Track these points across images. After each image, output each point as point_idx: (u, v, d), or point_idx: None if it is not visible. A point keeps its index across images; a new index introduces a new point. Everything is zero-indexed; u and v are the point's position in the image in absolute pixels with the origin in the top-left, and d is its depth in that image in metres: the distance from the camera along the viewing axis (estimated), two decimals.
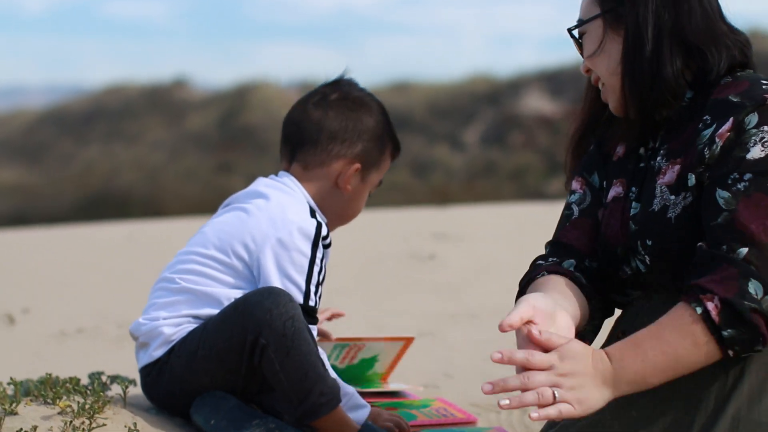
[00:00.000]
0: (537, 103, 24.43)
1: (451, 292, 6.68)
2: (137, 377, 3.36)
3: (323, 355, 3.10)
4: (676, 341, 2.43)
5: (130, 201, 21.89)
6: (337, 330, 3.67)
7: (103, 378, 3.43)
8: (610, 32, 2.69)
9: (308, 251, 3.14)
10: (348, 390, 3.16)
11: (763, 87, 2.57)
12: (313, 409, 3.00)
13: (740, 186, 2.50)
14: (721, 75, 2.64)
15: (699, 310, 2.43)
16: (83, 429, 2.93)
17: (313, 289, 3.15)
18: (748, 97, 2.56)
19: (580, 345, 2.42)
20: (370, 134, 3.29)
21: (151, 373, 3.15)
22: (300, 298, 3.12)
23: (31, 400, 3.11)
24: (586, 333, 2.75)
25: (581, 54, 2.78)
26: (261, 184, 3.28)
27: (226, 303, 3.12)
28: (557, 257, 2.78)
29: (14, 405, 3.02)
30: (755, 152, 2.52)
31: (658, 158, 2.69)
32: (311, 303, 3.14)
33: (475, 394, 3.77)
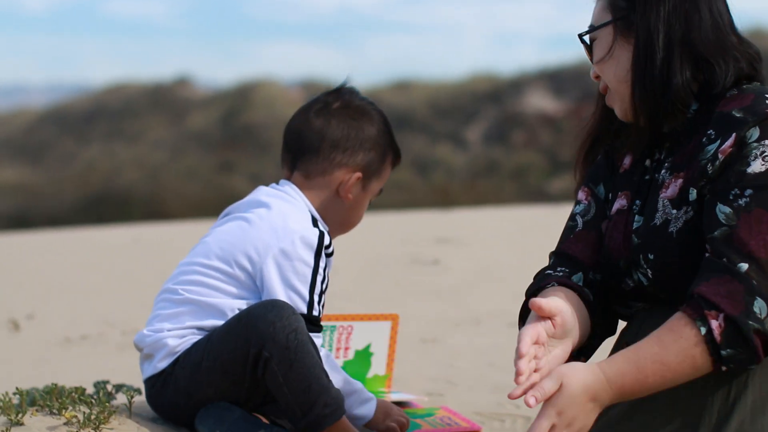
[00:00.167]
0: (539, 102, 24.43)
1: (454, 297, 6.68)
2: (142, 385, 3.36)
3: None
4: (677, 366, 2.47)
5: (132, 200, 21.90)
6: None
7: (109, 387, 3.43)
8: (620, 39, 2.70)
9: (311, 261, 3.15)
10: (356, 386, 3.19)
11: (767, 101, 2.57)
12: (318, 420, 3.01)
13: (741, 202, 2.51)
14: (727, 87, 2.64)
15: (703, 330, 2.44)
16: None
17: (316, 298, 3.15)
18: (751, 112, 2.57)
19: (575, 386, 2.45)
20: (371, 143, 3.30)
21: (155, 384, 3.16)
22: (304, 308, 3.13)
23: (36, 410, 3.11)
24: (583, 350, 2.76)
25: (591, 60, 2.78)
26: (262, 192, 3.29)
27: (230, 314, 3.13)
28: (566, 267, 2.78)
29: (20, 415, 3.02)
30: (756, 166, 2.53)
31: (663, 171, 2.69)
32: (315, 313, 3.15)
33: (480, 403, 3.77)
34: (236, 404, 3.09)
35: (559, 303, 2.57)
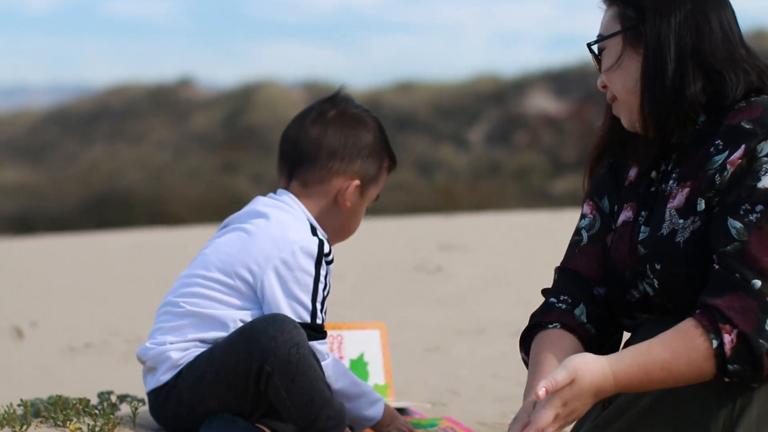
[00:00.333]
0: (542, 103, 24.43)
1: (457, 305, 6.67)
2: (146, 396, 3.36)
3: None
4: (683, 374, 2.48)
5: (135, 201, 21.91)
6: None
7: (113, 398, 3.44)
8: (629, 50, 2.69)
9: (312, 270, 3.16)
10: (366, 388, 3.22)
11: None
12: None
13: (752, 218, 2.51)
14: (737, 100, 2.63)
15: (715, 343, 2.45)
16: None
17: (319, 306, 3.17)
18: (760, 124, 2.57)
19: (586, 382, 2.47)
20: (368, 150, 3.31)
21: (159, 396, 3.16)
22: (307, 317, 3.14)
23: (41, 422, 3.12)
24: None
25: (599, 69, 2.78)
26: (260, 203, 3.29)
27: (232, 325, 3.13)
28: (569, 296, 2.78)
29: (24, 427, 3.02)
30: (766, 181, 2.53)
31: (670, 182, 2.69)
32: (318, 321, 3.16)
33: (483, 412, 3.78)
34: (240, 416, 3.10)
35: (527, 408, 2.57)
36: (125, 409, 3.49)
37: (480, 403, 3.94)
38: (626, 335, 2.82)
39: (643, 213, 2.74)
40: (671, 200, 2.66)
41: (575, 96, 23.62)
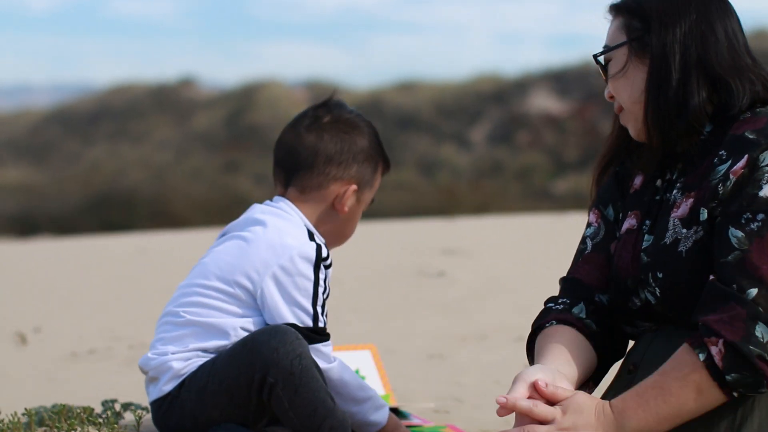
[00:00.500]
0: (543, 103, 24.44)
1: (460, 311, 6.65)
2: (149, 405, 3.36)
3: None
4: (679, 391, 2.47)
5: (137, 201, 21.93)
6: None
7: (117, 407, 3.44)
8: (635, 60, 2.69)
9: (311, 274, 3.17)
10: (371, 393, 3.23)
11: None
12: None
13: (753, 226, 2.50)
14: (742, 110, 2.63)
15: (702, 356, 2.45)
16: None
17: (320, 310, 3.18)
18: (764, 134, 2.56)
19: (583, 398, 2.50)
20: (364, 155, 3.33)
21: (161, 406, 3.16)
22: (309, 322, 3.15)
23: (45, 431, 3.11)
24: (591, 376, 2.77)
25: (605, 80, 2.78)
26: (257, 210, 3.30)
27: (233, 333, 3.14)
28: (568, 298, 2.79)
29: None
30: (767, 190, 2.52)
31: (674, 191, 2.69)
32: (320, 324, 3.18)
33: (486, 420, 3.76)
34: (243, 426, 3.10)
35: (524, 381, 2.52)
36: (129, 417, 3.49)
37: (483, 410, 3.93)
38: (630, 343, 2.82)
39: (647, 221, 2.73)
40: (675, 210, 2.66)
41: (577, 95, 23.64)
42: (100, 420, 3.17)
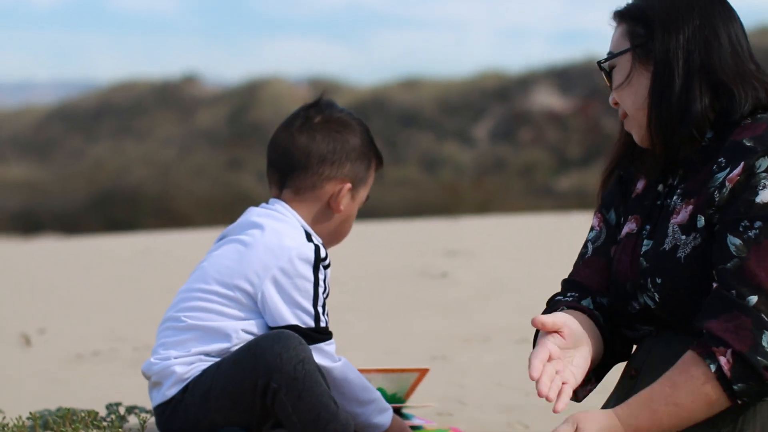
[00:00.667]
0: (547, 99, 24.42)
1: (462, 312, 6.64)
2: (153, 410, 3.37)
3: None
4: (690, 404, 2.48)
5: (140, 198, 21.94)
6: (349, 355, 3.68)
7: (121, 410, 3.45)
8: (638, 66, 2.69)
9: (310, 275, 3.18)
10: (376, 395, 3.24)
11: None
12: None
13: (751, 234, 2.51)
14: (744, 116, 2.63)
15: (713, 367, 2.45)
16: None
17: (321, 310, 3.20)
18: (761, 141, 2.56)
19: (591, 429, 2.47)
20: (357, 153, 3.35)
21: (165, 411, 3.17)
22: (311, 322, 3.17)
23: None
24: (596, 369, 2.77)
25: (610, 87, 2.78)
26: (253, 213, 3.32)
27: (234, 335, 3.15)
28: (575, 292, 2.80)
29: None
30: (764, 196, 2.52)
31: (675, 197, 2.69)
32: (322, 324, 3.19)
33: (490, 422, 3.77)
34: (247, 430, 3.11)
35: (561, 315, 2.58)
36: (133, 420, 3.50)
37: (486, 412, 3.94)
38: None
39: (647, 226, 2.74)
40: (675, 216, 2.66)
41: (580, 92, 23.61)
42: (105, 424, 3.18)
